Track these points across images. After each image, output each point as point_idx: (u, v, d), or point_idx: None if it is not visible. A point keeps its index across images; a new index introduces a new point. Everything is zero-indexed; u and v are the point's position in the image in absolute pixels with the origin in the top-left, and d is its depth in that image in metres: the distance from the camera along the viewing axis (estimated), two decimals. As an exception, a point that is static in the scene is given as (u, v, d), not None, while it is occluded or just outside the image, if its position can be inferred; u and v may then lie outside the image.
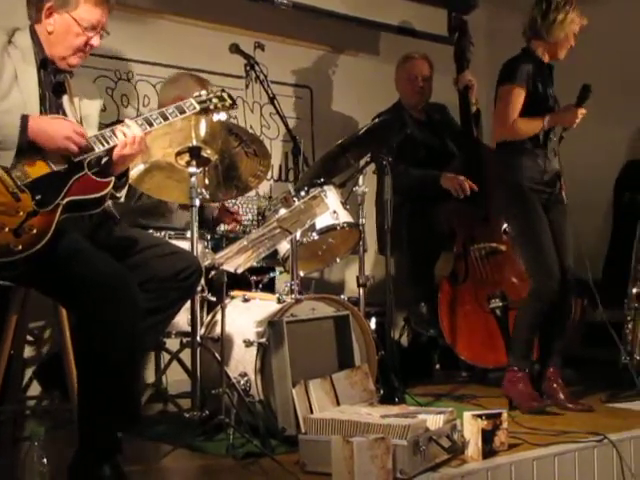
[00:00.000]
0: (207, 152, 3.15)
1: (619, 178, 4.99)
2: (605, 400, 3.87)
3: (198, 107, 2.93)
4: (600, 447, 3.03)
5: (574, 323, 4.43)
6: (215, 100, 2.98)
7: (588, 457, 3.00)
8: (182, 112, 2.88)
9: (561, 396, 3.69)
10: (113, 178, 2.71)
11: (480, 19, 5.59)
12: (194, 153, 3.12)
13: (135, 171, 3.20)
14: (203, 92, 2.98)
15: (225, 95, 3.02)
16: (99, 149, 2.66)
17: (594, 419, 3.47)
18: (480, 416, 2.84)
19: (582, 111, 3.66)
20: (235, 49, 4.10)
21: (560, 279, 3.64)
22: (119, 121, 2.83)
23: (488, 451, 2.82)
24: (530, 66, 3.71)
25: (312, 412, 2.96)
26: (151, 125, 2.78)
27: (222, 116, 3.03)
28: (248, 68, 4.01)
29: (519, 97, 3.67)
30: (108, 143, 2.68)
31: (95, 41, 2.78)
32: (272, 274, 3.98)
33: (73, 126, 2.62)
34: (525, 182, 3.70)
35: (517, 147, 3.72)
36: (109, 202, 2.81)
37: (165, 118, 2.83)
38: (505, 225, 4.41)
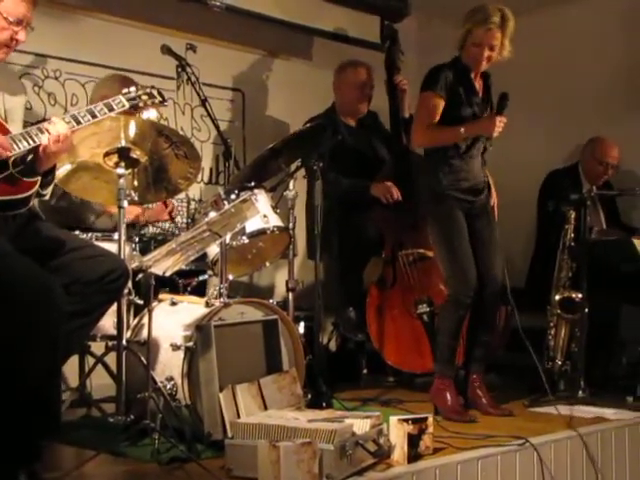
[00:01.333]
0: (136, 153, 3.11)
1: (542, 188, 5.10)
2: (527, 405, 3.95)
3: (127, 104, 2.89)
4: (522, 451, 3.09)
5: (498, 329, 4.51)
6: (144, 97, 2.95)
7: (510, 460, 3.06)
8: (111, 109, 2.84)
9: (484, 401, 3.76)
10: (39, 178, 2.65)
11: (411, 27, 5.66)
12: (123, 154, 3.07)
13: (62, 171, 3.13)
14: (132, 89, 2.95)
15: (155, 92, 2.99)
16: (25, 147, 2.60)
17: (517, 423, 3.54)
18: (406, 420, 2.87)
19: (501, 119, 3.62)
20: (166, 50, 4.05)
21: (477, 286, 3.67)
22: (46, 120, 2.77)
23: (414, 455, 2.85)
24: (450, 73, 3.74)
25: (239, 417, 2.95)
26: (79, 123, 2.74)
27: (152, 113, 3.01)
28: (179, 69, 3.98)
29: (435, 104, 3.70)
30: (34, 141, 2.62)
31: (21, 36, 2.73)
32: (201, 277, 3.95)
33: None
34: (445, 189, 3.73)
35: (440, 154, 3.75)
36: (35, 201, 2.76)
37: (93, 116, 2.78)
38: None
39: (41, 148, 2.64)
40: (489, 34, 3.67)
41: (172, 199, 4.00)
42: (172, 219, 4.05)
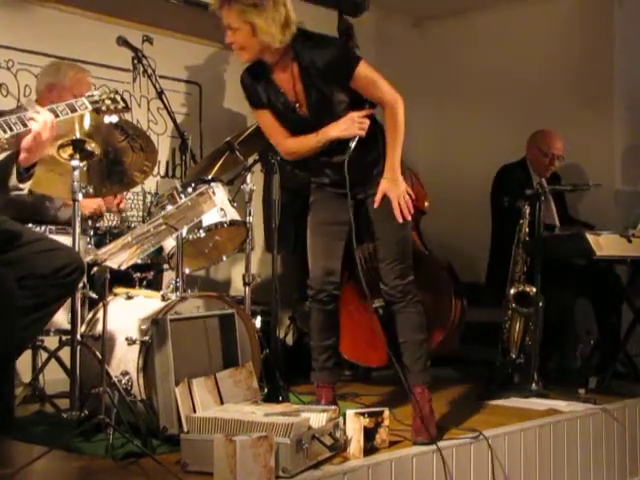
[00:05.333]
0: (91, 145, 3.08)
1: (495, 183, 5.13)
2: (481, 397, 3.99)
3: (90, 107, 2.89)
4: (476, 443, 3.13)
5: (454, 323, 4.55)
6: (108, 102, 2.94)
7: (465, 453, 3.09)
8: (73, 110, 2.84)
9: (416, 422, 3.08)
10: None
11: (369, 22, 5.66)
12: (77, 146, 3.04)
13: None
14: (96, 92, 2.94)
15: (118, 97, 2.98)
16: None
17: (471, 416, 3.57)
18: (362, 414, 2.88)
19: (360, 114, 3.07)
20: (122, 42, 4.02)
21: (321, 289, 3.24)
22: None
23: (370, 448, 2.86)
24: (250, 78, 3.15)
25: (195, 411, 2.94)
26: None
27: (114, 119, 2.99)
28: (135, 61, 3.95)
29: (261, 119, 3.19)
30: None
31: None
32: (157, 271, 3.92)
33: None
34: (314, 178, 3.31)
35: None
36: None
37: (56, 115, 2.76)
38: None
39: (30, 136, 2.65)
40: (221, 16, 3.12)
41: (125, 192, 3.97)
42: (120, 212, 3.98)
